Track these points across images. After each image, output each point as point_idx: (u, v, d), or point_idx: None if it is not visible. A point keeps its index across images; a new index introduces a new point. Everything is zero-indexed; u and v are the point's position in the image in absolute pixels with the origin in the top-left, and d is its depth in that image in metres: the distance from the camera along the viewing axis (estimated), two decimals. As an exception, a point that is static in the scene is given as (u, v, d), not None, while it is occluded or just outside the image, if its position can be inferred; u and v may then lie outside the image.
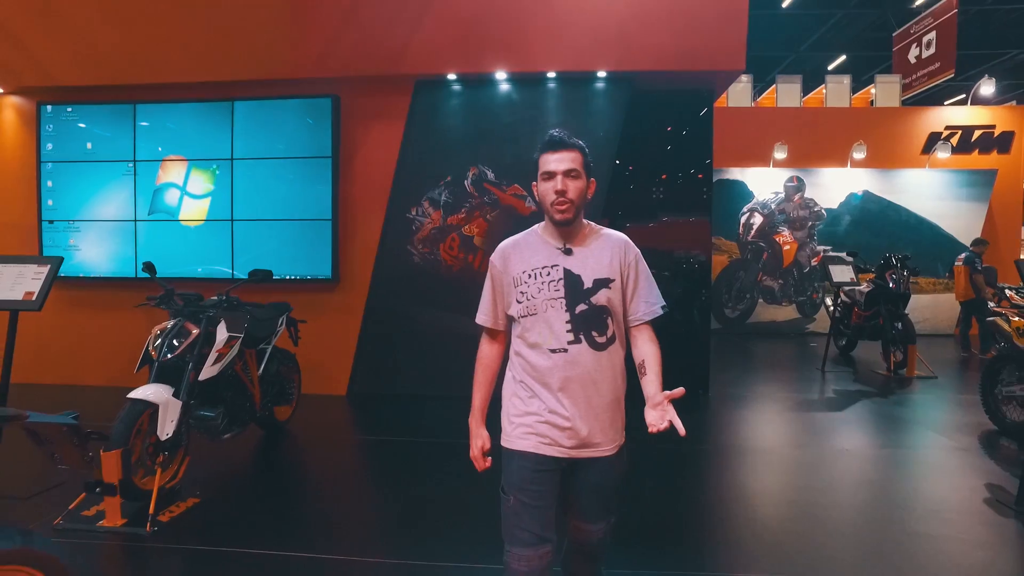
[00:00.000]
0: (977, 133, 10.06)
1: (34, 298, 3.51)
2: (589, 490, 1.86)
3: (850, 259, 7.87)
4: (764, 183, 10.13)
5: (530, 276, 1.81)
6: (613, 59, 5.36)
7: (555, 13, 5.28)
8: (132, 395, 3.23)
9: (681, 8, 5.21)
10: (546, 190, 1.78)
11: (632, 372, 1.86)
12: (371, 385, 5.76)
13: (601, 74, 5.49)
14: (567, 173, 1.76)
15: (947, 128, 10.14)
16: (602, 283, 1.80)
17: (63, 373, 5.94)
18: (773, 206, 10.13)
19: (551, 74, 5.52)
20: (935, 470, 4.18)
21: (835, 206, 10.05)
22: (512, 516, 1.80)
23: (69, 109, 5.83)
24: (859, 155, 9.86)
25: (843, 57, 17.65)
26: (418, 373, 5.67)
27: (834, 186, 10.03)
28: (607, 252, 1.83)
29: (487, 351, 1.99)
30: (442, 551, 2.85)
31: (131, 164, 5.80)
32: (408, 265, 5.70)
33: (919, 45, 13.16)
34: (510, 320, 1.92)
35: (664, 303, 1.89)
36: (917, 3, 13.99)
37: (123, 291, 5.76)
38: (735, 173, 10.11)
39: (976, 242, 8.51)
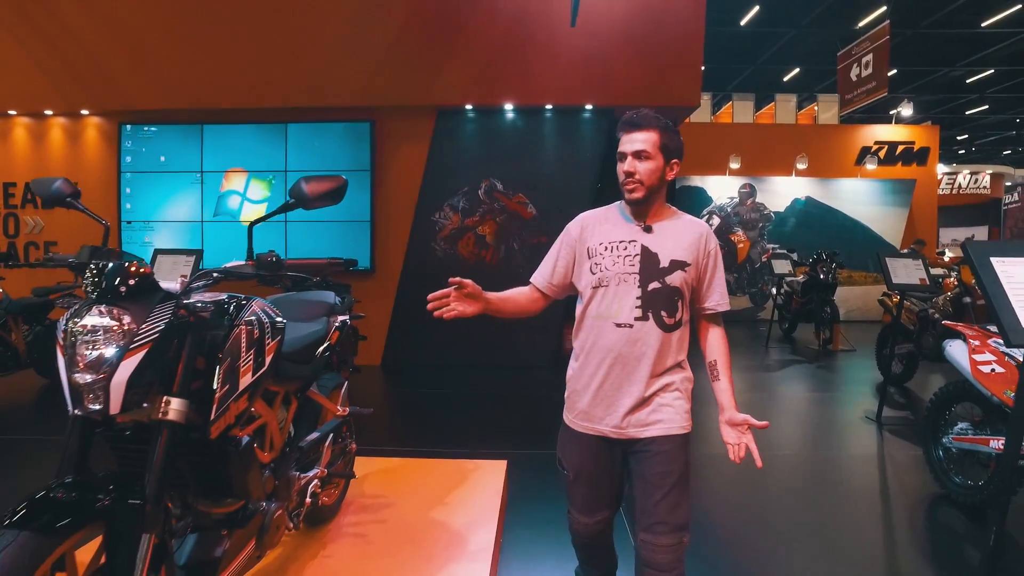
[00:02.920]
0: (900, 148, 12.19)
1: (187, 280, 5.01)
2: (652, 480, 1.80)
3: (792, 255, 9.80)
4: (721, 189, 12.05)
5: (607, 248, 1.86)
6: (597, 95, 7.07)
7: (552, 58, 6.96)
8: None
9: (651, 58, 6.94)
10: (619, 170, 1.87)
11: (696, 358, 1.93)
12: (401, 356, 7.34)
13: (587, 107, 7.20)
14: (637, 154, 1.82)
15: (876, 143, 12.24)
16: (679, 264, 1.82)
17: (137, 350, 7.35)
18: (729, 209, 12.05)
19: (548, 106, 7.21)
20: (834, 404, 6.03)
21: (782, 210, 12.04)
22: (569, 487, 1.96)
23: (145, 128, 7.26)
24: (802, 165, 11.86)
25: (796, 70, 19.82)
26: (440, 347, 7.26)
27: (781, 192, 12.01)
28: (687, 236, 1.87)
29: (524, 291, 2.02)
30: (456, 446, 4.50)
31: (199, 174, 7.26)
32: (432, 259, 7.30)
33: (859, 65, 15.27)
34: (571, 290, 1.99)
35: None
36: (859, 26, 16.18)
37: (192, 280, 7.22)
38: (696, 180, 12.01)
39: (917, 242, 10.59)
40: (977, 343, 3.37)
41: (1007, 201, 16.48)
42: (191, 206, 7.29)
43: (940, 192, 16.55)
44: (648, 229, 1.87)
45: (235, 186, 7.27)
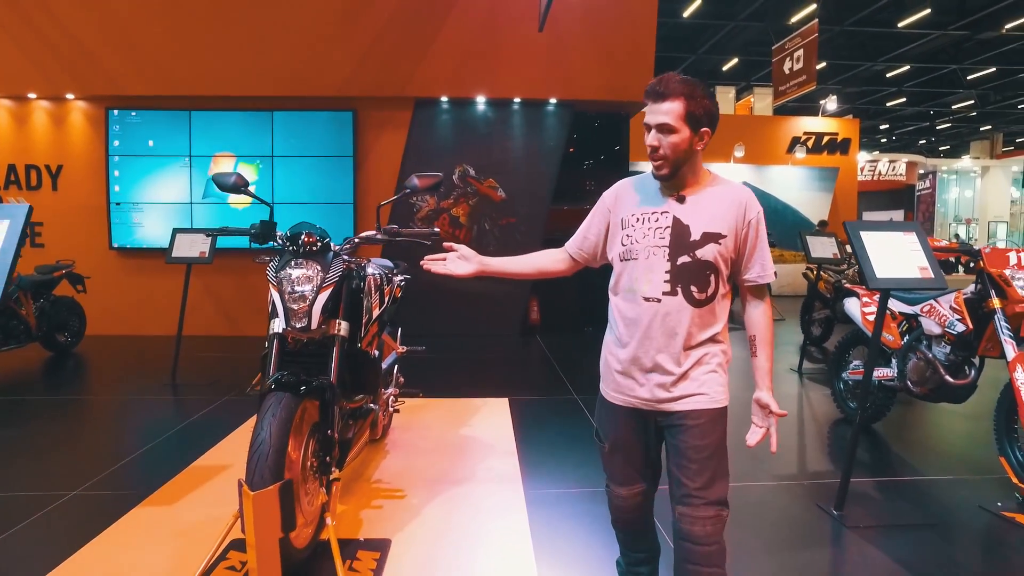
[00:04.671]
0: (826, 138, 13.77)
1: (207, 255, 5.74)
2: (687, 454, 1.80)
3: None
4: (667, 175, 13.30)
5: (638, 220, 1.83)
6: (560, 90, 8.06)
7: (520, 56, 7.89)
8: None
9: (608, 58, 7.97)
10: (646, 140, 1.79)
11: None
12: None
13: (552, 101, 8.19)
14: (660, 128, 1.74)
15: (805, 134, 13.77)
16: (712, 237, 1.77)
17: (127, 326, 7.91)
18: (674, 194, 13.33)
19: (516, 100, 8.16)
20: (764, 362, 7.30)
21: (721, 194, 13.39)
22: (606, 459, 1.98)
23: (133, 114, 7.79)
24: (739, 153, 13.24)
25: (735, 60, 21.39)
26: (415, 318, 8.13)
27: (720, 178, 13.38)
28: (724, 205, 1.81)
29: (548, 252, 2.09)
30: (459, 392, 5.47)
31: (187, 158, 7.85)
32: (410, 238, 8.15)
33: (791, 59, 16.82)
34: (604, 259, 1.99)
35: (775, 270, 1.90)
36: (792, 21, 17.74)
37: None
38: (644, 166, 13.20)
39: (821, 223, 12.13)
40: (867, 299, 4.56)
41: (920, 188, 18.52)
42: (179, 188, 7.88)
43: (863, 178, 18.43)
44: (681, 199, 1.82)
45: (223, 170, 7.89)
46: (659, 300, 1.78)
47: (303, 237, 2.46)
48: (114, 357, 6.95)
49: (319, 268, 2.42)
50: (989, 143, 27.58)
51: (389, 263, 3.64)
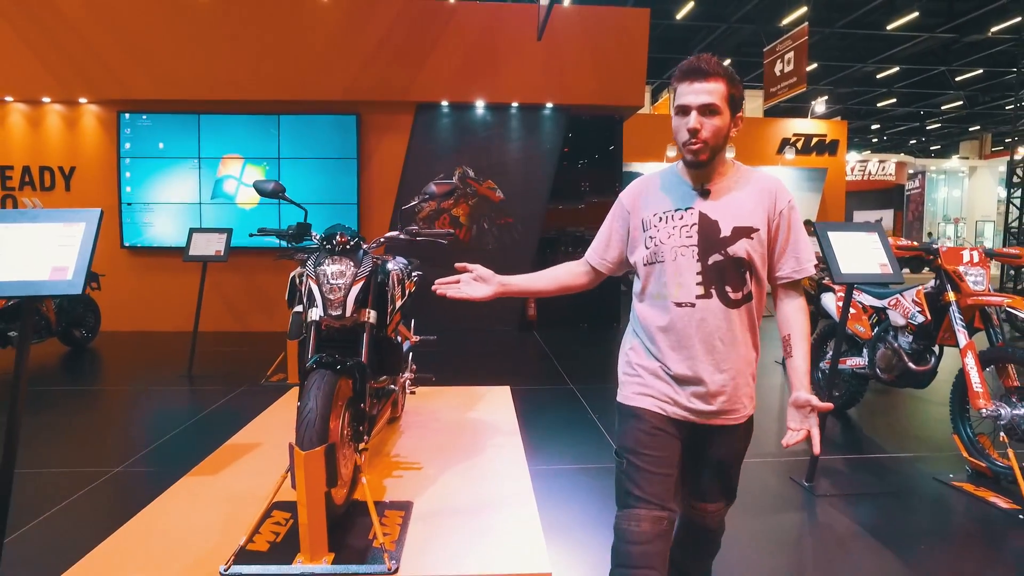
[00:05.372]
0: (814, 140, 14.21)
1: (222, 253, 6.11)
2: (713, 466, 1.80)
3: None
4: (660, 175, 13.73)
5: (660, 219, 1.74)
6: (557, 95, 8.46)
7: (519, 63, 8.29)
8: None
9: (602, 64, 8.38)
10: (678, 126, 1.67)
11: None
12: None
13: (548, 105, 8.59)
14: (703, 109, 1.63)
15: (794, 135, 14.21)
16: (743, 232, 1.68)
17: (139, 322, 8.26)
18: (667, 194, 13.75)
19: (514, 104, 8.55)
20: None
21: (713, 194, 13.83)
22: (624, 479, 1.74)
23: (144, 117, 8.14)
24: (730, 154, 13.62)
25: (727, 61, 21.73)
26: (415, 315, 8.51)
27: (712, 178, 13.81)
28: (754, 196, 1.72)
29: (568, 266, 1.96)
30: (463, 381, 5.87)
31: (196, 160, 8.21)
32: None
33: (782, 61, 17.29)
34: (627, 267, 1.89)
35: (815, 262, 1.78)
36: (783, 23, 18.21)
37: (191, 257, 8.18)
38: (637, 167, 13.62)
39: (807, 222, 12.64)
40: (841, 294, 4.98)
41: (909, 188, 19.00)
42: (189, 189, 8.23)
43: (853, 178, 18.90)
44: (706, 193, 1.73)
45: (231, 171, 8.26)
46: (692, 305, 1.71)
47: (337, 237, 2.84)
48: (129, 351, 7.31)
49: (352, 264, 2.80)
50: (978, 143, 28.18)
51: (404, 260, 4.02)
